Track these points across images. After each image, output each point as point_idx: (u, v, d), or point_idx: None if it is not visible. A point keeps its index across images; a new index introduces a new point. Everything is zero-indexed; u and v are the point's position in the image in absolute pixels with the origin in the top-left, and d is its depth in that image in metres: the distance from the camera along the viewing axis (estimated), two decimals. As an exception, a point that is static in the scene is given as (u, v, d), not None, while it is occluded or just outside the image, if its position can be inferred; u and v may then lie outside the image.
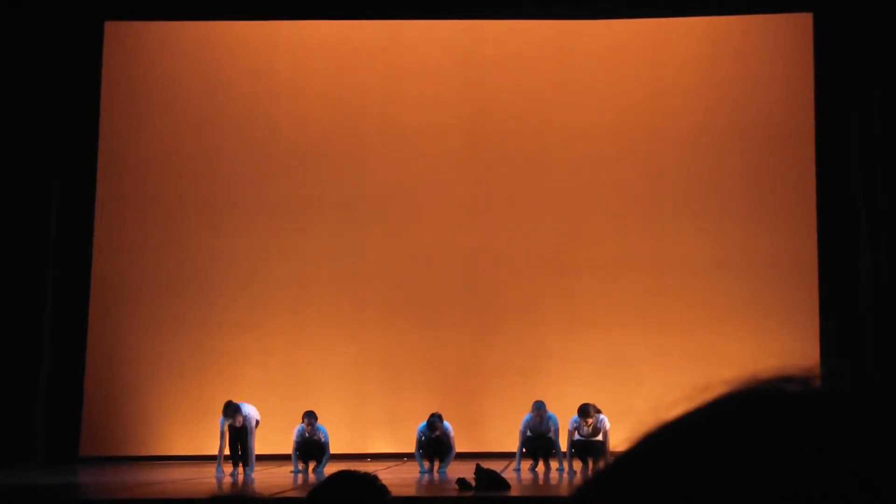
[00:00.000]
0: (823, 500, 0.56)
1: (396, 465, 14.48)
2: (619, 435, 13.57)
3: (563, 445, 13.28)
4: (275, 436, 15.25)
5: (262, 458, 14.59)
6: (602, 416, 12.91)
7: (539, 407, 13.37)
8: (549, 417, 13.39)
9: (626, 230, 16.35)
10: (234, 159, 16.71)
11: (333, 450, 14.19)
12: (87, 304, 16.24)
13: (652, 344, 15.94)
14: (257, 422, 13.47)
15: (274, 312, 16.33)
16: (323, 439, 13.69)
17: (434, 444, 13.37)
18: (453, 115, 16.67)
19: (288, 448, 14.31)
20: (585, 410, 12.77)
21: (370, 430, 16.10)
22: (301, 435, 13.75)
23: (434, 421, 13.31)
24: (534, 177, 16.51)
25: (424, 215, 16.57)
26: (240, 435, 13.39)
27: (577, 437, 12.76)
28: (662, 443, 0.62)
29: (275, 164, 16.73)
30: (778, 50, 16.48)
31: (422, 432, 13.46)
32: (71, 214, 16.19)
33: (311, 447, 13.72)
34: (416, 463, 13.68)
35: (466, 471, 11.07)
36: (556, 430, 13.31)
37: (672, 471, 0.60)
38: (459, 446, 13.92)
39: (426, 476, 12.86)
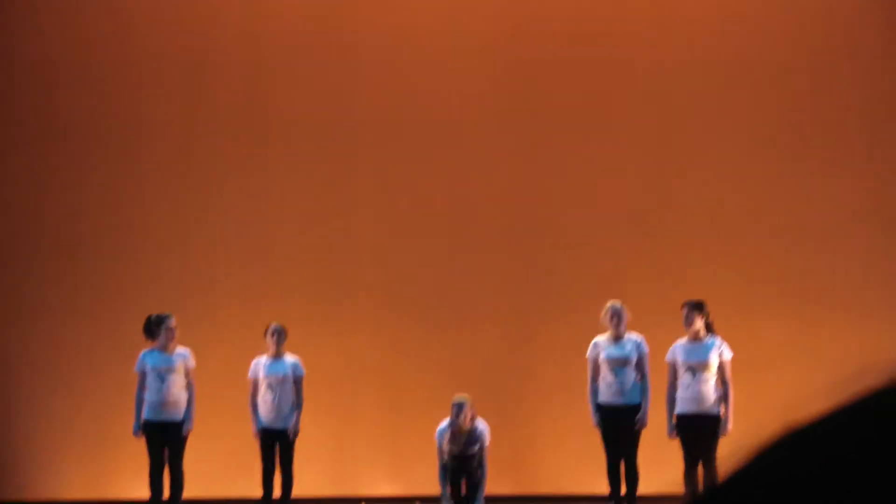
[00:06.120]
0: None
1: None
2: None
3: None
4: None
5: None
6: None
7: (616, 311, 10.71)
8: (634, 342, 10.78)
9: (724, 182, 13.41)
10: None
11: (309, 490, 11.67)
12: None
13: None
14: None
15: (224, 308, 12.98)
16: (290, 374, 10.97)
17: (462, 463, 10.63)
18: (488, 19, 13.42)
19: (238, 491, 11.77)
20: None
21: (362, 465, 13.10)
22: (258, 370, 11.01)
23: (462, 404, 10.50)
24: (607, 106, 13.43)
25: (444, 158, 13.31)
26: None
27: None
28: (806, 450, 0.62)
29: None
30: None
31: (443, 434, 10.70)
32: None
33: (277, 401, 10.91)
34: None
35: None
36: (643, 357, 10.68)
37: (817, 481, 0.60)
38: (497, 486, 11.37)
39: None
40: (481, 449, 10.69)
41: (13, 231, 13.12)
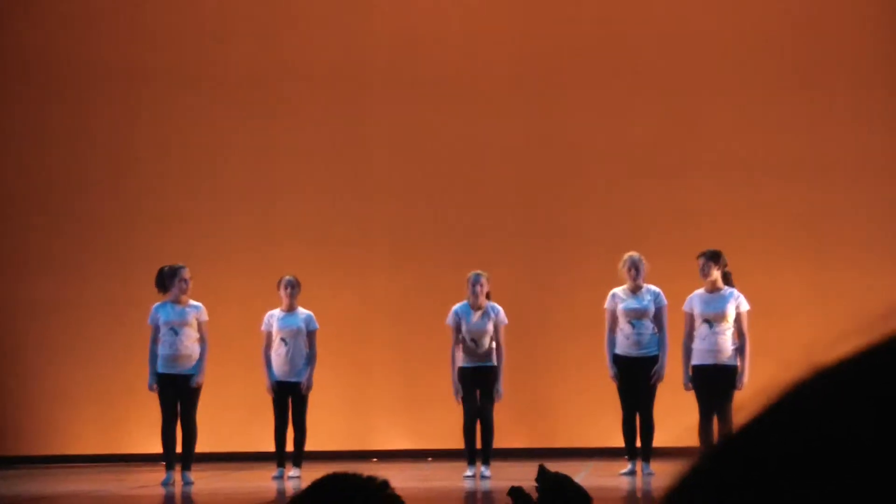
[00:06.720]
0: None
1: (416, 468, 11.59)
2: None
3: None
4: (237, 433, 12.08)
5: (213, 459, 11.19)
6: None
7: (634, 263, 10.29)
8: (652, 293, 10.37)
9: (746, 130, 12.96)
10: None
11: (324, 445, 11.51)
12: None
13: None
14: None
15: (236, 254, 12.70)
16: (304, 327, 10.67)
17: (479, 373, 10.25)
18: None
19: (251, 445, 11.77)
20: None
21: (376, 417, 12.76)
22: (271, 323, 10.64)
23: (479, 275, 10.29)
24: (626, 53, 13.01)
25: (461, 105, 12.90)
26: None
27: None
28: (835, 390, 0.54)
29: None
30: None
31: (458, 312, 10.41)
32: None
33: (291, 355, 10.57)
34: (440, 464, 11.29)
35: (525, 475, 7.21)
36: (661, 309, 10.30)
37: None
38: (511, 440, 11.45)
39: (466, 481, 10.26)
40: (496, 329, 10.41)
41: (20, 182, 12.84)
